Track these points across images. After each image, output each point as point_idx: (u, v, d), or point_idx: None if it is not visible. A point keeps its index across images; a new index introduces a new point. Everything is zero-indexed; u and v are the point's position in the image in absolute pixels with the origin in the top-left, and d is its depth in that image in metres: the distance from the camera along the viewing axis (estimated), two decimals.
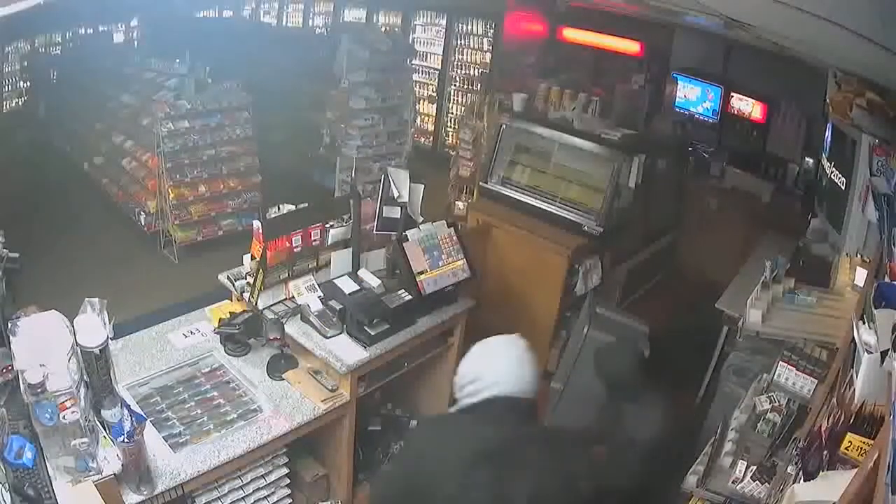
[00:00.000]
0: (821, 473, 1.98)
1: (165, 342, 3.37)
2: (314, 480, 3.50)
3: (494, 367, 2.02)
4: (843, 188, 3.75)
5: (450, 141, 8.65)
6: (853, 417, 1.88)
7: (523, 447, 1.94)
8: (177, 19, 9.49)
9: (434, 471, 1.94)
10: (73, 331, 2.34)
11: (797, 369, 2.96)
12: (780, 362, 3.01)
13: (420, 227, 3.67)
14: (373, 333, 3.33)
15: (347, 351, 3.26)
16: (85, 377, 2.35)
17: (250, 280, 3.43)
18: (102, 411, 2.38)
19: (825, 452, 2.03)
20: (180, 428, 2.88)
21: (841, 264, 3.70)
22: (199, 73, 6.35)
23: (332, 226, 3.61)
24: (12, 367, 2.25)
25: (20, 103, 9.83)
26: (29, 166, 7.41)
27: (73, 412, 2.24)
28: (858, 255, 3.55)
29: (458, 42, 8.73)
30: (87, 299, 2.46)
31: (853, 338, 1.99)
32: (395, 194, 3.66)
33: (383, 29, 8.69)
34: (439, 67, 8.93)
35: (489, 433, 1.94)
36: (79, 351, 2.32)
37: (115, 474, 2.40)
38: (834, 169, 3.95)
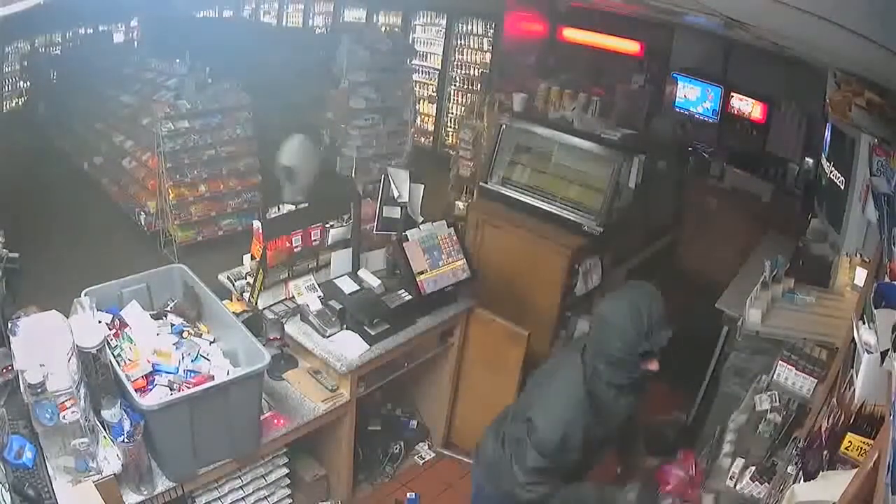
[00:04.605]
0: (821, 473, 1.98)
1: None
2: (314, 480, 3.50)
3: None
4: (843, 188, 3.74)
5: (450, 141, 8.63)
6: (853, 417, 1.88)
7: None
8: (177, 19, 9.47)
9: None
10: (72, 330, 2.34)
11: (797, 369, 2.95)
12: (780, 362, 3.00)
13: (420, 227, 3.67)
14: (373, 333, 3.33)
15: (349, 346, 3.27)
16: (84, 377, 2.35)
17: (250, 280, 3.43)
18: (102, 411, 2.38)
19: (825, 452, 2.02)
20: None
21: (841, 264, 3.69)
22: (199, 73, 6.35)
23: (332, 226, 3.61)
24: (12, 367, 2.25)
25: (20, 103, 9.84)
26: (29, 166, 7.40)
27: (73, 412, 2.24)
28: (858, 255, 3.55)
29: (458, 42, 8.72)
30: (76, 299, 2.45)
31: (853, 338, 1.99)
32: (395, 194, 3.66)
33: (383, 29, 8.70)
34: (439, 67, 8.92)
35: None
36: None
37: (115, 474, 2.40)
38: (834, 169, 3.95)
